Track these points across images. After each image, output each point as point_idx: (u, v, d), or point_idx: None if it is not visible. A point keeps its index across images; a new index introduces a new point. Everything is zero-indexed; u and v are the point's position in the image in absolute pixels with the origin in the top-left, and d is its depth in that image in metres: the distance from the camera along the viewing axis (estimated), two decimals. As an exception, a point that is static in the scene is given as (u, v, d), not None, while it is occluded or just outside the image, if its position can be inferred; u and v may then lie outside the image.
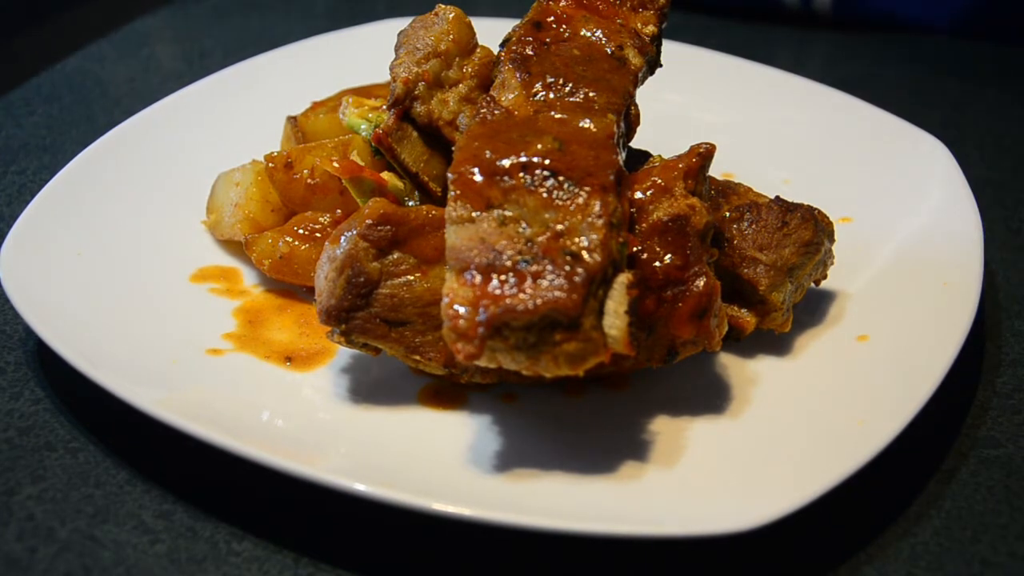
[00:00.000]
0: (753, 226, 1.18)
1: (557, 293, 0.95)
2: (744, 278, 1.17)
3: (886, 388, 1.12)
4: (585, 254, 0.98)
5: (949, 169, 1.41)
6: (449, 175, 1.05)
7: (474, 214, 1.01)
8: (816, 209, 1.22)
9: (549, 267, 0.97)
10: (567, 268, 0.97)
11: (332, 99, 1.48)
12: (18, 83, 1.79)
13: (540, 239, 0.99)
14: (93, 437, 1.13)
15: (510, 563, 1.03)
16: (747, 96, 1.62)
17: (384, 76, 1.52)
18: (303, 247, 1.28)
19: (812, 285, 1.24)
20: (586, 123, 1.08)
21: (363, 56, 1.58)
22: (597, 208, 1.00)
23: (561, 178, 1.02)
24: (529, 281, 0.96)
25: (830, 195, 1.35)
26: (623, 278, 1.00)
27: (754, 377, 1.17)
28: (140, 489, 1.07)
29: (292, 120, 1.46)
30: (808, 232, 1.19)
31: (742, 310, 1.18)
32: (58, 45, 1.91)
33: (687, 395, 1.15)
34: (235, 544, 1.02)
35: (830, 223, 1.23)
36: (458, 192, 1.03)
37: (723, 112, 1.57)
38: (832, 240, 1.23)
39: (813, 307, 1.26)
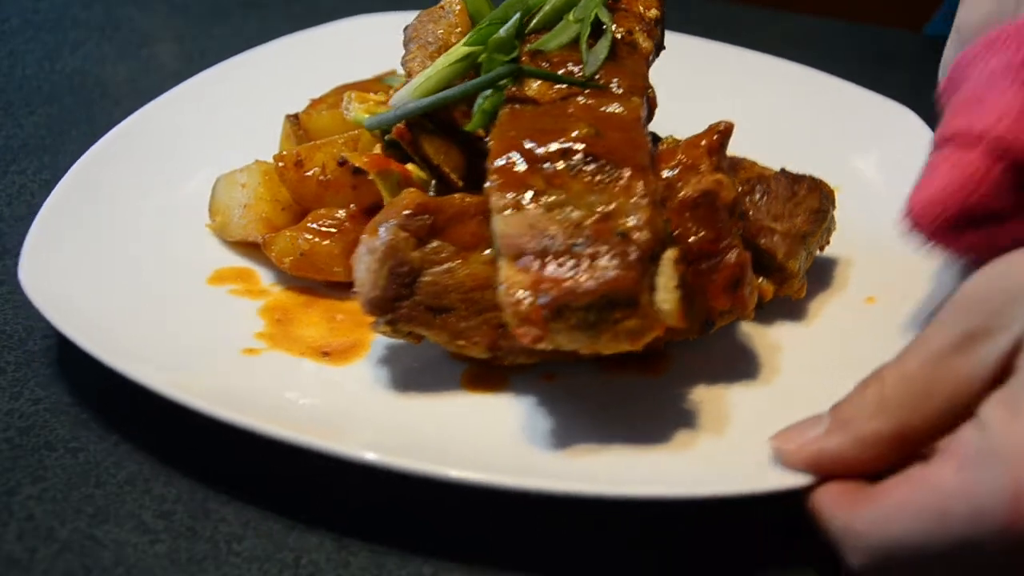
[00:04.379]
0: (765, 197, 1.23)
1: (615, 272, 0.98)
2: (762, 248, 1.21)
3: (902, 344, 1.13)
4: (635, 233, 1.01)
5: (921, 133, 1.47)
6: (489, 165, 1.07)
7: (519, 202, 1.04)
8: (819, 178, 1.27)
9: (603, 248, 1.00)
10: (620, 248, 1.00)
11: (330, 96, 1.48)
12: (18, 83, 1.78)
13: (589, 222, 1.02)
14: (93, 437, 1.12)
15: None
16: (721, 79, 1.66)
17: (371, 70, 1.53)
18: (324, 243, 1.29)
19: (817, 252, 1.29)
20: (615, 107, 1.11)
21: (344, 51, 1.60)
22: (640, 188, 1.03)
23: (602, 162, 1.05)
24: (586, 263, 0.99)
25: (813, 168, 1.36)
26: (670, 254, 1.03)
27: (777, 344, 1.21)
28: (140, 489, 1.07)
29: (292, 118, 1.45)
30: (816, 200, 1.24)
31: (760, 279, 1.21)
32: (58, 45, 1.89)
33: (718, 366, 1.18)
34: (235, 544, 1.02)
35: (831, 190, 1.28)
36: (501, 181, 1.05)
37: (703, 97, 1.58)
38: (834, 207, 1.28)
39: (817, 273, 1.30)
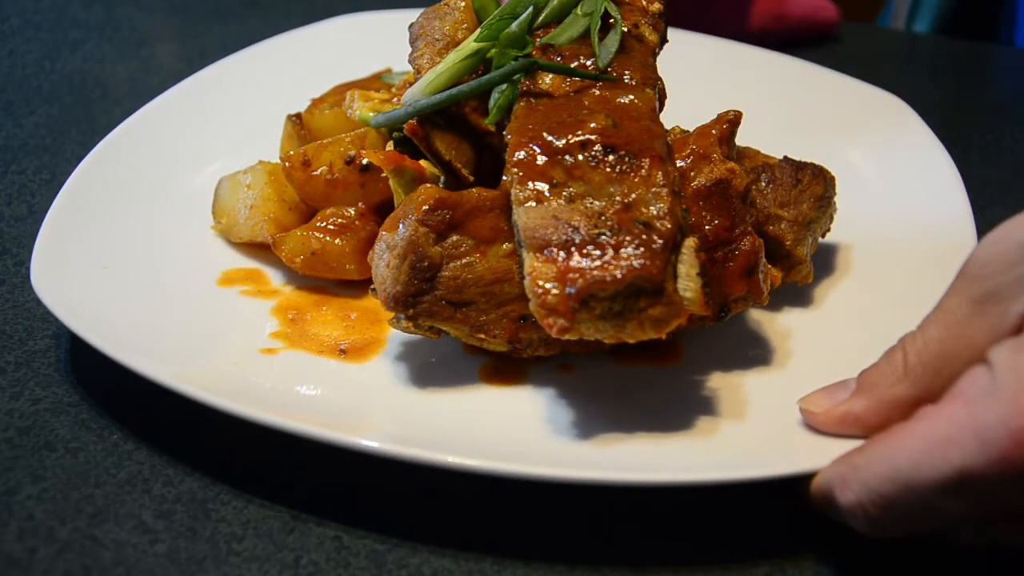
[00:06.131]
0: (771, 185, 1.25)
1: (640, 261, 0.99)
2: (770, 235, 1.23)
3: (908, 328, 1.15)
4: (657, 222, 1.02)
5: (909, 120, 1.50)
6: (510, 158, 1.08)
7: (541, 193, 1.05)
8: (820, 165, 1.29)
9: (627, 238, 1.01)
10: (643, 237, 1.01)
11: (330, 94, 1.48)
12: (18, 83, 1.77)
13: (611, 212, 1.03)
14: (93, 437, 1.12)
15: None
16: (718, 72, 1.70)
17: (370, 68, 1.54)
18: (336, 241, 1.29)
19: (820, 238, 1.31)
20: (629, 98, 1.13)
21: (334, 50, 1.61)
22: (660, 178, 1.05)
23: (621, 152, 1.07)
24: (610, 252, 1.00)
25: (810, 157, 1.38)
26: (691, 242, 1.04)
27: (786, 331, 1.23)
28: (140, 489, 1.07)
29: (295, 118, 1.45)
30: (820, 187, 1.26)
31: (768, 266, 1.22)
32: (58, 45, 1.89)
33: (730, 353, 1.20)
34: (235, 544, 1.02)
35: (832, 176, 1.30)
36: (521, 174, 1.06)
37: (701, 90, 1.60)
38: (835, 193, 1.30)
39: (820, 258, 1.32)
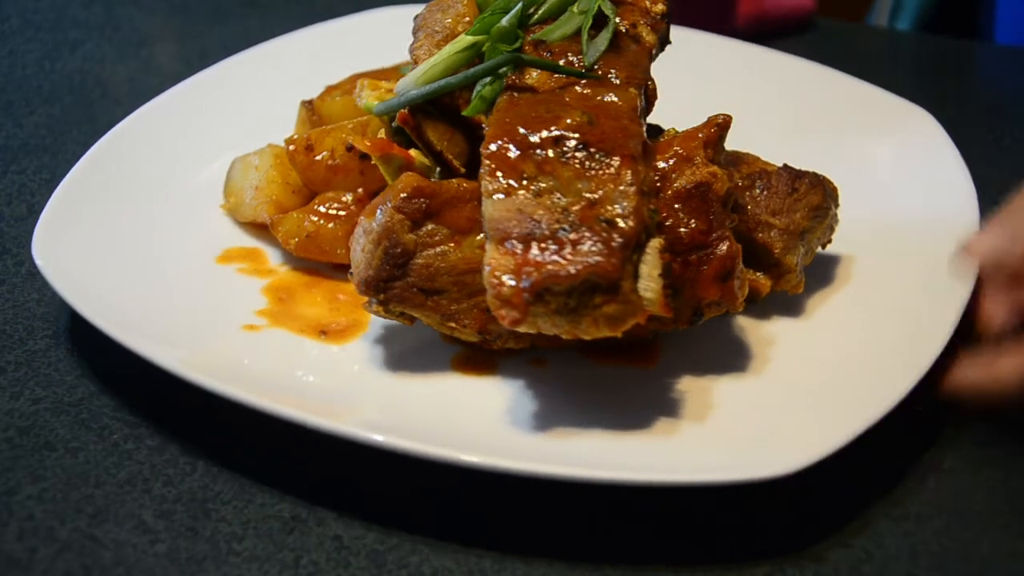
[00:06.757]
0: (765, 192, 1.23)
1: (597, 258, 0.99)
2: (759, 242, 1.22)
3: (898, 345, 1.15)
4: (620, 221, 1.02)
5: (934, 133, 1.47)
6: (483, 150, 1.08)
7: (510, 186, 1.05)
8: (822, 175, 1.27)
9: (587, 234, 1.01)
10: (604, 234, 1.01)
11: (345, 83, 1.51)
12: (18, 83, 1.80)
13: (576, 208, 1.03)
14: (93, 437, 1.13)
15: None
16: (732, 74, 1.67)
17: (391, 60, 1.55)
18: (329, 225, 1.32)
19: (819, 248, 1.29)
20: (611, 97, 1.12)
21: (367, 42, 1.62)
22: (629, 177, 1.04)
23: (593, 150, 1.06)
24: (569, 248, 1.00)
25: (823, 165, 1.36)
26: (655, 243, 1.04)
27: (771, 338, 1.22)
28: (140, 489, 1.07)
29: (307, 104, 1.48)
30: (817, 197, 1.24)
31: (757, 273, 1.22)
32: (58, 45, 1.92)
33: (709, 357, 1.19)
34: (235, 544, 1.02)
35: (835, 188, 1.28)
36: (493, 166, 1.07)
37: (710, 91, 1.58)
38: (837, 204, 1.28)
39: (818, 270, 1.30)
